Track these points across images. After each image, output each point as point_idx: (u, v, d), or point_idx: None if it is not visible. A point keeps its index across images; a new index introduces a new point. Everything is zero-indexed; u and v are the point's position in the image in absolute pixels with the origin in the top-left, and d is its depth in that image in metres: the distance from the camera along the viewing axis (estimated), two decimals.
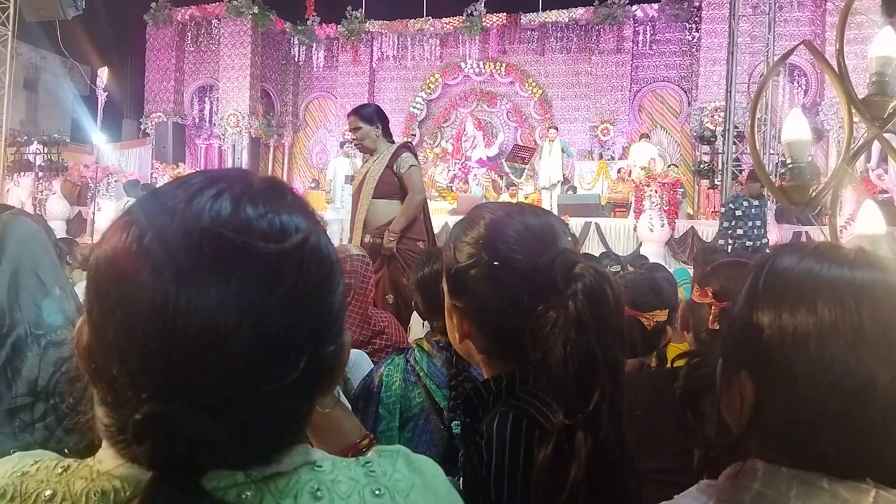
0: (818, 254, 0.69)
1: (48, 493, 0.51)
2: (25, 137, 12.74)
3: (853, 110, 1.32)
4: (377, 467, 0.56)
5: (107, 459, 0.50)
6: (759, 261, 0.75)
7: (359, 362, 1.93)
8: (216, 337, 0.45)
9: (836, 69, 1.34)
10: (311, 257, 0.50)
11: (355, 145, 3.78)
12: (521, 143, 13.93)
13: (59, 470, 0.53)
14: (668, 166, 11.39)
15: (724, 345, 0.75)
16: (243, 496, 0.48)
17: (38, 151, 12.36)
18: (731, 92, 7.84)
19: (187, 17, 15.19)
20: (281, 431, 0.52)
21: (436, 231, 12.65)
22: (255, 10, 14.50)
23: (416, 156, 3.70)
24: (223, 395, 0.47)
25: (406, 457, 0.59)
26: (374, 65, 15.55)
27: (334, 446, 0.92)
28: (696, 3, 12.92)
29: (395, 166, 3.59)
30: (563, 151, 11.67)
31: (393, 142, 3.75)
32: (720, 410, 0.74)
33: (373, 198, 3.63)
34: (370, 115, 3.67)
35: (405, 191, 3.59)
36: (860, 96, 1.38)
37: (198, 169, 14.72)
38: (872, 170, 8.95)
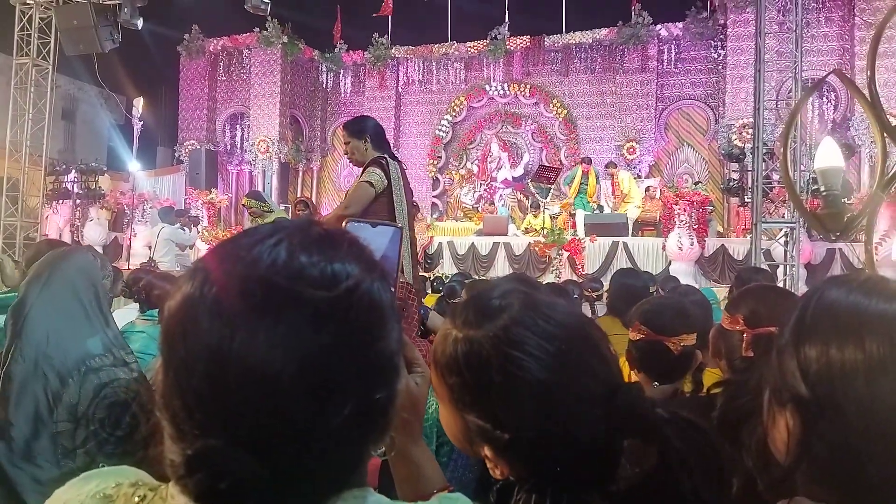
0: (866, 288, 0.69)
1: None
2: (64, 166, 13.13)
3: (886, 137, 1.32)
4: None
5: (177, 494, 0.53)
6: (808, 293, 0.75)
7: None
8: (263, 378, 0.48)
9: (868, 96, 1.35)
10: (361, 304, 0.52)
11: (348, 159, 3.57)
12: (547, 164, 13.95)
13: (136, 499, 0.56)
14: (696, 184, 11.30)
15: (770, 377, 0.73)
16: None
17: (75, 179, 12.70)
18: (758, 109, 7.76)
19: (219, 48, 15.63)
20: (330, 476, 0.52)
21: (460, 253, 12.42)
22: (285, 39, 14.85)
23: (387, 174, 3.33)
24: (269, 435, 0.48)
25: None
26: (399, 89, 15.77)
27: (415, 494, 0.88)
28: (721, 21, 12.88)
29: (359, 179, 3.39)
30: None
31: (391, 155, 3.52)
32: (765, 443, 0.73)
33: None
34: (358, 129, 3.48)
35: (382, 208, 3.33)
36: (892, 114, 1.39)
37: (230, 194, 15.05)
38: None
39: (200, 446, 0.47)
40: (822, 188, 1.29)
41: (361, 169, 3.44)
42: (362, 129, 3.47)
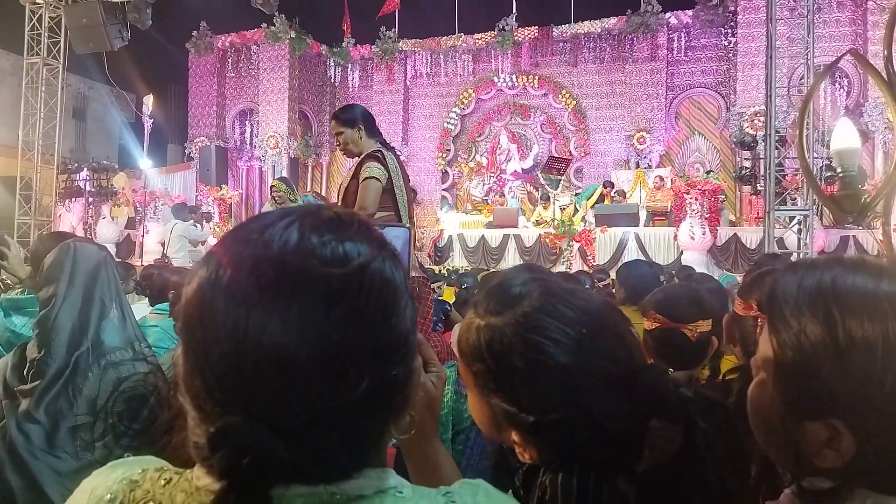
0: (886, 272, 0.65)
1: None
2: (76, 164, 13.23)
3: None
4: (457, 497, 0.57)
5: (202, 476, 0.54)
6: (813, 283, 0.68)
7: None
8: (279, 357, 0.49)
9: (885, 76, 1.34)
10: (373, 281, 0.53)
11: (341, 151, 3.53)
12: (557, 155, 13.90)
13: (163, 482, 0.57)
14: (708, 172, 11.22)
15: (789, 392, 0.67)
16: None
17: (87, 178, 12.80)
18: (770, 96, 7.68)
19: (227, 44, 15.66)
20: (349, 451, 0.54)
21: (470, 246, 12.44)
22: (293, 34, 14.86)
23: (386, 167, 3.32)
24: (287, 411, 0.49)
25: (486, 490, 0.60)
26: (408, 83, 15.74)
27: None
28: (732, 8, 12.74)
29: (359, 175, 3.35)
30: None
31: (383, 142, 3.48)
32: (784, 461, 0.70)
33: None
34: (351, 118, 3.41)
35: (386, 201, 3.33)
36: None
37: (240, 190, 15.11)
38: None
39: (222, 424, 0.49)
40: (839, 169, 1.28)
41: (357, 163, 3.40)
42: (353, 117, 3.42)
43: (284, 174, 14.71)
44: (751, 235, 9.57)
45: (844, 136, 1.26)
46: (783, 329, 0.68)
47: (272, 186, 6.22)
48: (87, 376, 1.57)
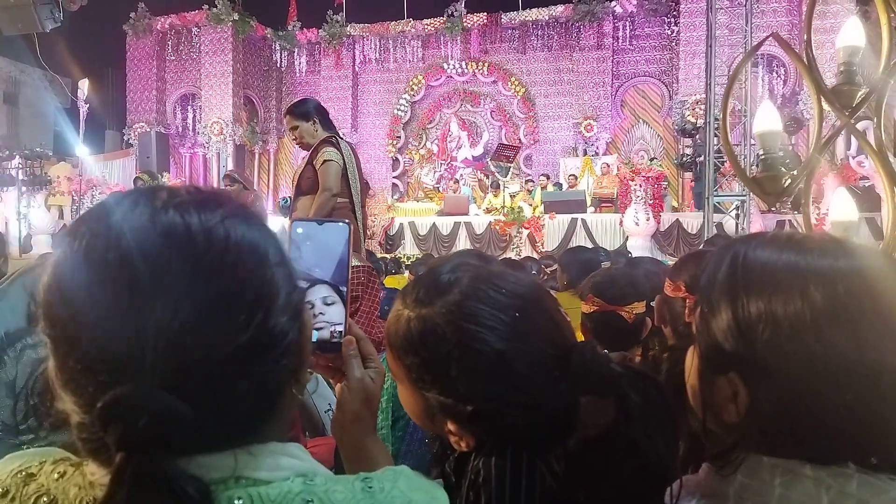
0: (795, 245, 0.69)
1: (45, 500, 0.53)
2: (7, 152, 12.61)
3: (822, 100, 1.35)
4: (375, 483, 0.56)
5: (96, 469, 0.52)
6: (723, 252, 0.73)
7: None
8: (153, 312, 0.48)
9: (805, 60, 1.38)
10: (231, 243, 0.53)
11: (297, 144, 3.60)
12: (506, 142, 13.98)
13: (56, 475, 0.55)
14: (652, 160, 11.47)
15: (702, 345, 0.72)
16: (234, 502, 0.50)
17: (20, 166, 12.23)
18: (710, 84, 7.91)
19: (167, 27, 15.11)
20: (249, 411, 0.53)
21: (422, 233, 12.45)
22: (236, 16, 14.45)
23: (340, 150, 3.43)
24: (175, 367, 0.48)
25: (408, 476, 0.59)
26: (356, 68, 15.55)
27: None
28: None
29: (314, 161, 3.44)
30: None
31: (336, 134, 3.57)
32: (702, 410, 0.73)
33: (296, 195, 3.51)
34: (305, 111, 3.48)
35: (342, 186, 3.44)
36: (829, 78, 1.42)
37: (183, 178, 14.71)
38: (853, 157, 9.06)
39: (112, 394, 0.47)
40: (761, 151, 1.31)
41: (311, 150, 3.42)
42: (307, 111, 3.47)
43: (230, 162, 14.40)
44: (692, 221, 9.84)
45: (766, 119, 1.29)
46: (702, 300, 0.73)
47: (136, 178, 6.14)
48: (3, 361, 1.53)
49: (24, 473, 0.56)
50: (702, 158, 9.07)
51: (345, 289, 0.79)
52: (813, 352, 0.63)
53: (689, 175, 11.59)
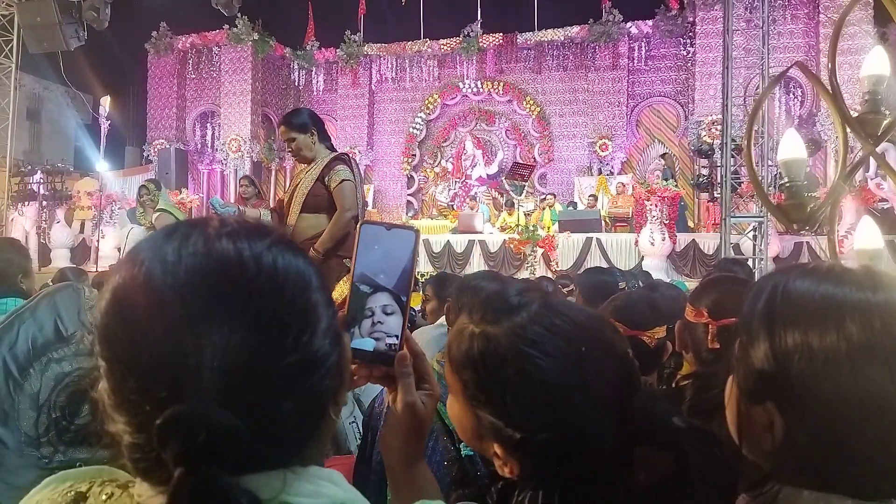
0: (833, 277, 0.69)
1: None
2: (29, 167, 12.84)
3: (847, 128, 1.35)
4: None
5: (144, 491, 0.53)
6: (764, 284, 0.73)
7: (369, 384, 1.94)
8: (210, 332, 0.51)
9: (829, 88, 1.38)
10: (278, 272, 0.55)
11: (293, 156, 3.48)
12: (521, 161, 14.01)
13: (104, 497, 0.56)
14: (667, 180, 11.44)
15: (740, 374, 0.72)
16: None
17: (41, 181, 12.44)
18: (727, 105, 7.89)
19: (188, 45, 15.38)
20: (295, 430, 0.55)
21: (436, 251, 12.41)
22: (255, 36, 14.69)
23: (352, 169, 3.39)
24: (230, 385, 0.50)
25: None
26: (373, 87, 15.70)
27: None
28: (690, 19, 13.06)
29: (325, 179, 3.34)
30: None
31: (332, 146, 3.49)
32: (740, 438, 0.73)
33: (301, 212, 3.40)
34: (302, 123, 3.36)
35: (335, 205, 3.35)
36: (854, 109, 1.42)
37: (201, 195, 14.85)
38: (871, 179, 8.98)
39: (170, 412, 0.48)
40: (786, 179, 1.31)
41: (325, 166, 3.38)
42: (304, 122, 3.38)
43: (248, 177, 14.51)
44: (708, 241, 9.78)
45: (791, 146, 1.29)
46: (742, 329, 0.73)
47: (141, 186, 6.13)
48: (27, 372, 1.56)
49: (74, 493, 0.57)
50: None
51: (405, 299, 0.76)
52: (848, 384, 0.64)
53: (705, 195, 11.53)
